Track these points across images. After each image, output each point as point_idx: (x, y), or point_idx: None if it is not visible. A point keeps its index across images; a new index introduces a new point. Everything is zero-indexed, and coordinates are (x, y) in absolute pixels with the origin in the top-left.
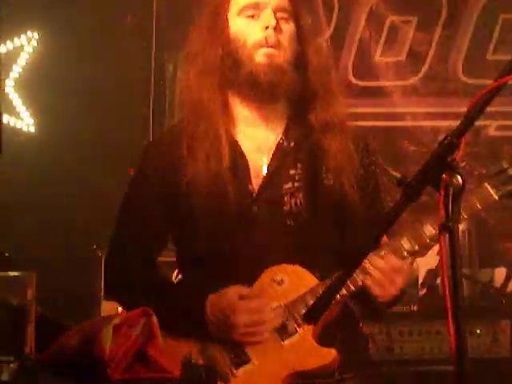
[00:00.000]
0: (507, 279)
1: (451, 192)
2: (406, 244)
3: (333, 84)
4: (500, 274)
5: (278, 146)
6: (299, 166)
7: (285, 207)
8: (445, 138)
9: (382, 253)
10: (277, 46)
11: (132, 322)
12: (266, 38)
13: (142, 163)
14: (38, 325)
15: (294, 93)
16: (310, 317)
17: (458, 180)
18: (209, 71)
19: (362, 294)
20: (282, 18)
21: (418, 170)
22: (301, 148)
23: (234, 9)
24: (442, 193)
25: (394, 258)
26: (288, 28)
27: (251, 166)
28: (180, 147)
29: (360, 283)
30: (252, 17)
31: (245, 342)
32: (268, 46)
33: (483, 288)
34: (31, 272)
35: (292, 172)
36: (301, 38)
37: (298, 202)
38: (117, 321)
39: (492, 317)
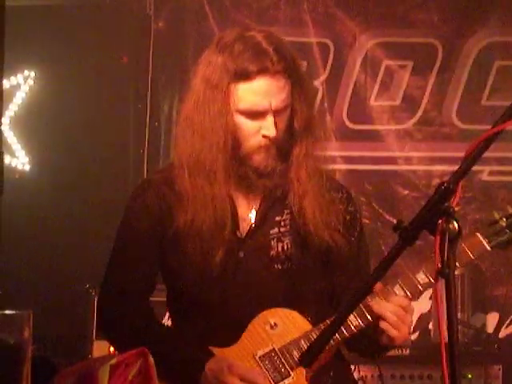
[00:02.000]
0: (499, 324)
1: (447, 238)
2: (398, 291)
3: (315, 129)
4: (492, 319)
5: (266, 194)
6: (286, 212)
7: (272, 252)
8: (441, 184)
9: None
10: (273, 145)
11: (128, 363)
12: (264, 146)
13: (132, 205)
14: (34, 363)
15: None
16: (304, 361)
17: (454, 226)
18: (212, 142)
19: (363, 337)
20: (281, 110)
21: (411, 214)
22: (287, 195)
23: (233, 104)
24: (438, 238)
25: (400, 298)
26: (284, 115)
27: (239, 213)
28: (172, 193)
29: (354, 330)
30: (251, 118)
31: None
32: (264, 153)
33: (476, 333)
34: (28, 311)
35: (278, 218)
36: (293, 100)
37: (285, 246)
38: (113, 361)
39: (484, 362)
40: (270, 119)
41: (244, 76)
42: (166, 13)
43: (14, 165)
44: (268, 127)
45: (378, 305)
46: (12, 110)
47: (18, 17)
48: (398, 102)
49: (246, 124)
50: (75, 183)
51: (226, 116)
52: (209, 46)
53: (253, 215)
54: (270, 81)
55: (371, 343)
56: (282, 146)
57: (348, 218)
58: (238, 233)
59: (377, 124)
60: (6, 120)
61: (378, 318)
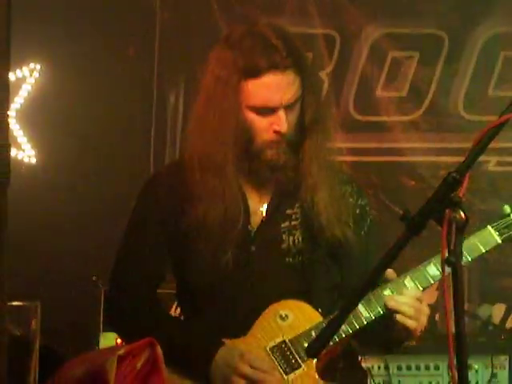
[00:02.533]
0: (506, 315)
1: (454, 227)
2: (408, 283)
3: (325, 123)
4: (499, 310)
5: (278, 187)
6: (297, 205)
7: (283, 245)
8: (449, 174)
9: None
10: (284, 140)
11: (136, 353)
12: (275, 141)
13: (143, 198)
14: (41, 354)
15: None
16: (312, 351)
17: (461, 215)
18: (223, 139)
19: (373, 333)
20: (291, 105)
21: (418, 205)
22: (298, 189)
23: (244, 100)
24: (445, 228)
25: (413, 290)
26: (295, 109)
27: (251, 207)
28: (183, 187)
29: (364, 321)
30: (262, 114)
31: None
32: (276, 148)
33: (482, 324)
34: (35, 302)
35: (289, 211)
36: (303, 94)
37: (296, 239)
38: (122, 351)
39: (491, 352)
40: (280, 114)
41: (254, 72)
42: (172, 4)
43: (20, 158)
44: (279, 123)
45: (394, 300)
46: (18, 102)
47: (24, 9)
48: (404, 93)
49: (257, 120)
50: (82, 176)
51: (236, 112)
52: (217, 43)
53: (264, 209)
54: (279, 76)
55: (382, 338)
56: (293, 140)
57: (358, 211)
58: (249, 227)
59: (383, 115)
60: (11, 113)
61: (392, 312)
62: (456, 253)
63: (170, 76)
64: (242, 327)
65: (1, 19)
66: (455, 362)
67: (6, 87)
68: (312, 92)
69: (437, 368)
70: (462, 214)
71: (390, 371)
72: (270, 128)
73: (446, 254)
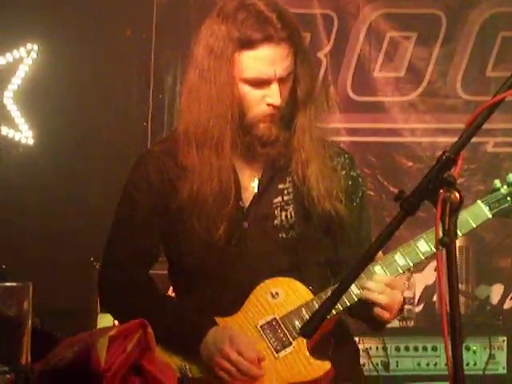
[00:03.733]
0: (504, 296)
1: (448, 208)
2: (400, 260)
3: (318, 97)
4: (497, 290)
5: (269, 162)
6: (288, 179)
7: (275, 221)
8: (442, 154)
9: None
10: (277, 113)
11: (127, 334)
12: (268, 115)
13: (135, 175)
14: (33, 336)
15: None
16: (306, 331)
17: (455, 196)
18: (219, 112)
19: (363, 312)
20: (285, 78)
21: (415, 185)
22: (289, 163)
23: (238, 73)
24: (439, 208)
25: (385, 277)
26: (288, 83)
27: (242, 183)
28: (175, 164)
29: (355, 299)
30: (255, 86)
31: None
32: (269, 121)
33: (480, 305)
34: (27, 282)
35: (281, 186)
36: (296, 68)
37: (289, 215)
38: (112, 332)
39: (489, 333)
40: (274, 87)
41: (248, 44)
42: None
43: (17, 139)
44: (273, 95)
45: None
46: (15, 83)
47: None
48: (402, 74)
49: (250, 93)
50: (78, 157)
51: (231, 85)
52: (209, 15)
53: (255, 185)
54: (274, 49)
55: (367, 315)
56: (286, 115)
57: (350, 182)
58: (241, 203)
59: (381, 96)
60: (9, 94)
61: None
62: (450, 233)
63: (167, 57)
64: (234, 305)
65: None
66: (451, 343)
67: None
68: (305, 66)
69: (434, 349)
70: (457, 194)
71: (388, 352)
72: (262, 101)
73: (440, 235)
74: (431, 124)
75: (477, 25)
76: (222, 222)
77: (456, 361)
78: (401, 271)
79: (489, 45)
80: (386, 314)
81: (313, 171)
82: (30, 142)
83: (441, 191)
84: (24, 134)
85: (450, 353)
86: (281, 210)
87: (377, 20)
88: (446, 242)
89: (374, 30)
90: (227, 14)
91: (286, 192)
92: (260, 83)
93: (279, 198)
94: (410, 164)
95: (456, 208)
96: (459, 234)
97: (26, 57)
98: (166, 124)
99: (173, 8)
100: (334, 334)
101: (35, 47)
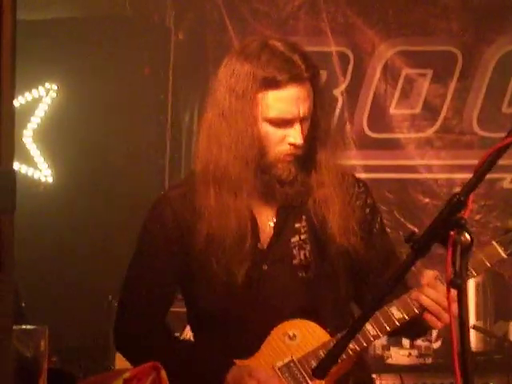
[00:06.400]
0: None
1: (459, 249)
2: (396, 313)
3: (335, 135)
4: None
5: (284, 201)
6: (304, 218)
7: (294, 260)
8: (453, 196)
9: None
10: (297, 153)
11: (141, 377)
12: (289, 155)
13: (152, 219)
14: (52, 376)
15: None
16: (318, 372)
17: (465, 237)
18: (239, 153)
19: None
20: (306, 118)
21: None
22: (305, 202)
23: (261, 113)
24: (450, 250)
25: (440, 286)
26: (308, 122)
27: (259, 224)
28: (192, 208)
29: (372, 339)
30: (278, 126)
31: None
32: (288, 161)
33: (498, 341)
34: (44, 326)
35: (297, 225)
36: (315, 107)
37: (307, 253)
38: (127, 375)
39: (507, 370)
40: (297, 127)
41: (274, 84)
42: (186, 24)
43: (36, 177)
44: (295, 135)
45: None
46: (35, 122)
47: (41, 30)
48: (418, 110)
49: (272, 132)
50: (98, 195)
51: (253, 126)
52: (229, 55)
53: (272, 225)
54: (298, 88)
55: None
56: (304, 154)
57: (368, 210)
58: (259, 245)
59: (397, 132)
60: (28, 133)
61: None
62: (461, 274)
63: (185, 96)
64: (252, 346)
65: (5, 48)
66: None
67: (12, 117)
68: (323, 106)
69: None
70: (467, 235)
71: None
72: (283, 141)
73: (452, 276)
74: (447, 160)
75: (492, 61)
76: (242, 264)
77: None
78: (417, 311)
79: (504, 81)
80: (438, 324)
81: (331, 210)
82: (50, 180)
83: (451, 233)
84: (43, 172)
85: None
86: (299, 249)
87: (392, 57)
88: (457, 283)
89: (389, 67)
90: (251, 53)
91: (302, 231)
92: (283, 123)
93: (296, 237)
94: (427, 200)
95: (467, 249)
96: (474, 273)
97: (45, 96)
98: (183, 164)
99: (190, 47)
100: (352, 373)
101: (54, 87)
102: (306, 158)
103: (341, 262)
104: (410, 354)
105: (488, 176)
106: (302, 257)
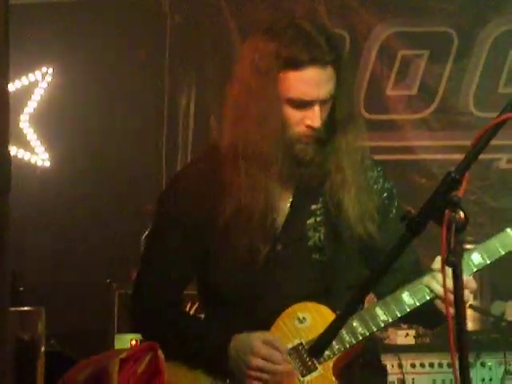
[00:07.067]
0: None
1: (454, 227)
2: (381, 315)
3: (357, 117)
4: None
5: (301, 182)
6: (320, 200)
7: (309, 242)
8: (448, 174)
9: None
10: (315, 135)
11: (138, 357)
12: (308, 136)
13: (169, 197)
14: (51, 358)
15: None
16: (315, 350)
17: (460, 215)
18: (268, 131)
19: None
20: (326, 101)
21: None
22: (323, 184)
23: (281, 92)
24: (445, 228)
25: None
26: (328, 105)
27: (275, 204)
28: (216, 182)
29: (381, 324)
30: (297, 107)
31: None
32: (306, 143)
33: (495, 321)
34: (40, 307)
35: (314, 207)
36: (337, 90)
37: (322, 236)
38: (124, 355)
39: (504, 349)
40: (316, 109)
41: (295, 64)
42: (182, 7)
43: (33, 161)
44: (313, 117)
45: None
46: (31, 106)
47: (36, 14)
48: (414, 92)
49: (291, 113)
50: (95, 178)
51: (277, 104)
52: (254, 33)
53: (288, 205)
54: (319, 71)
55: (424, 320)
56: (322, 137)
57: (385, 195)
58: (276, 224)
59: (394, 114)
60: (25, 117)
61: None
62: (456, 252)
63: (181, 79)
64: (262, 326)
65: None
66: (458, 361)
67: (6, 101)
68: (345, 90)
69: (450, 366)
70: (462, 213)
71: (404, 369)
72: (302, 122)
73: (447, 254)
74: (444, 141)
75: (488, 42)
76: (265, 242)
77: (462, 378)
78: (428, 298)
79: (500, 61)
80: (450, 311)
81: (348, 195)
82: (47, 164)
83: (446, 211)
84: (40, 156)
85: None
86: (314, 231)
87: (388, 39)
88: (452, 261)
89: (385, 48)
90: (276, 32)
91: (318, 213)
92: (302, 104)
93: (312, 220)
94: (424, 181)
95: (461, 228)
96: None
97: (41, 80)
98: (180, 145)
99: (186, 30)
100: (361, 357)
101: (50, 70)
102: (325, 140)
103: (355, 246)
104: (407, 334)
105: (484, 156)
106: (317, 239)
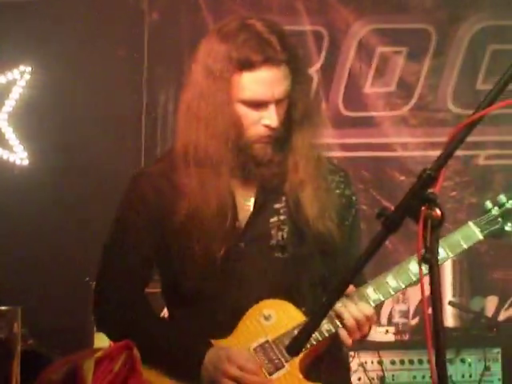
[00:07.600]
0: (498, 308)
1: (430, 224)
2: (391, 282)
3: (314, 116)
4: (491, 302)
5: (262, 182)
6: (283, 199)
7: (272, 241)
8: (423, 171)
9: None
10: (273, 135)
11: (113, 356)
12: (266, 136)
13: (130, 194)
14: (28, 357)
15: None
16: (292, 350)
17: (436, 213)
18: (218, 133)
19: None
20: (282, 100)
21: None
22: (284, 183)
23: (236, 94)
24: (421, 225)
25: (367, 307)
26: (284, 104)
27: (238, 203)
28: (171, 185)
29: (338, 323)
30: (253, 107)
31: None
32: (265, 142)
33: (475, 317)
34: (16, 307)
35: (277, 206)
36: (293, 89)
37: (285, 235)
38: (99, 354)
39: (484, 345)
40: (272, 109)
41: (248, 65)
42: (160, 4)
43: (12, 160)
44: (270, 117)
45: (345, 307)
46: (9, 105)
47: (12, 12)
48: (393, 88)
49: (247, 113)
50: (74, 177)
51: (229, 106)
52: (207, 34)
53: (251, 204)
54: (273, 71)
55: None
56: (281, 136)
57: (344, 201)
58: (237, 223)
59: (372, 110)
60: (3, 116)
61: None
62: (432, 250)
63: (160, 76)
64: (228, 325)
65: None
66: (434, 358)
67: None
68: (301, 88)
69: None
70: (438, 210)
71: (384, 366)
72: (259, 122)
73: (423, 252)
74: (422, 138)
75: (466, 38)
76: (222, 242)
77: (440, 374)
78: (393, 293)
79: (478, 58)
80: (348, 341)
81: (306, 193)
82: (25, 162)
83: (422, 208)
84: (19, 155)
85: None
86: (277, 230)
87: (367, 35)
88: (428, 259)
89: (364, 45)
90: (227, 34)
91: (281, 212)
92: (257, 105)
93: (275, 218)
94: (403, 178)
95: (438, 225)
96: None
97: (19, 78)
98: (159, 142)
99: (164, 27)
100: (326, 354)
101: (28, 69)
102: (283, 139)
103: (317, 244)
104: (387, 331)
105: (463, 153)
106: (280, 237)
